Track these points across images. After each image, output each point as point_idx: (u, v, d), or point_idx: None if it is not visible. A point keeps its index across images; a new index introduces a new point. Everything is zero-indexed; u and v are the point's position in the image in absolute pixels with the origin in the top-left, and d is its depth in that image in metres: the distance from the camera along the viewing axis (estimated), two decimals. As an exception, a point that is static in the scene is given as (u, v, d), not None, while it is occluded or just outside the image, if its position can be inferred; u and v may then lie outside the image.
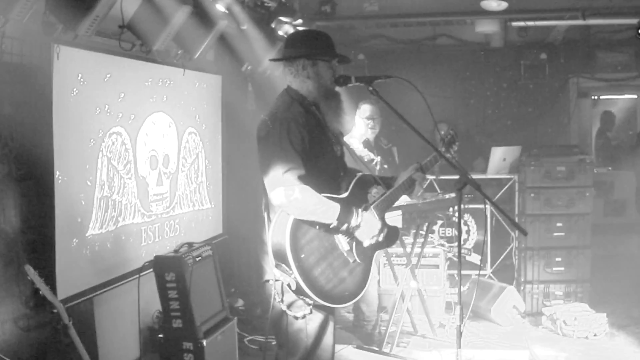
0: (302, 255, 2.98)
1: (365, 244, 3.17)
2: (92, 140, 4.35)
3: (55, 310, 3.63)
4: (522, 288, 6.81)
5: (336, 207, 3.04)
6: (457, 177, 3.21)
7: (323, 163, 3.18)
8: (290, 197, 2.95)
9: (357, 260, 3.18)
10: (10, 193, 3.86)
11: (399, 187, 3.37)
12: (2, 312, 3.77)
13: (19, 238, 3.91)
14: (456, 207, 3.31)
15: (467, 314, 5.87)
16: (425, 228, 6.00)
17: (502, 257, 7.44)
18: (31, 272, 3.51)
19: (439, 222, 7.19)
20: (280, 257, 2.98)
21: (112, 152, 4.57)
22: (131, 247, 4.84)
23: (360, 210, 3.13)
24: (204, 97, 6.01)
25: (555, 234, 6.72)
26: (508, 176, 7.44)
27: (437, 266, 6.34)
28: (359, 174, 3.35)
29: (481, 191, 3.20)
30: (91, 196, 4.35)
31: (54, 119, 3.95)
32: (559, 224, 6.73)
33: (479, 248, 7.24)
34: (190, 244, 4.85)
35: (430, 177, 7.34)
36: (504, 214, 3.51)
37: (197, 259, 4.66)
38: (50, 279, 3.81)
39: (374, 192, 3.34)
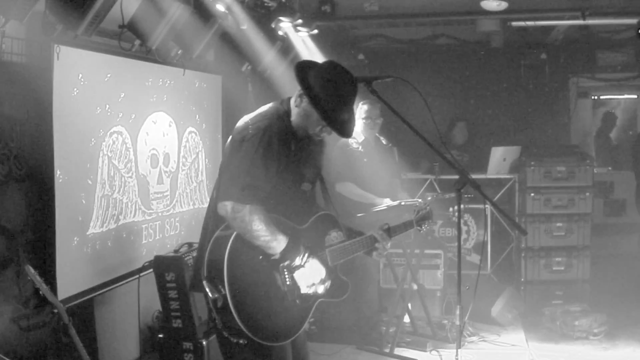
0: (239, 273, 2.74)
1: (303, 290, 2.90)
2: (92, 139, 4.36)
3: (55, 310, 3.62)
4: (522, 288, 6.82)
5: (282, 240, 2.83)
6: (457, 177, 3.21)
7: (289, 189, 2.99)
8: (237, 213, 2.75)
9: (297, 301, 2.92)
10: (10, 193, 3.86)
11: (358, 241, 3.20)
12: (2, 312, 3.77)
13: (19, 238, 3.91)
14: (456, 207, 3.29)
15: (467, 314, 5.87)
16: (425, 228, 6.00)
17: (502, 257, 7.44)
18: (31, 272, 3.50)
19: (439, 222, 7.19)
20: (214, 269, 2.75)
21: (112, 151, 4.58)
22: (132, 244, 4.85)
23: (307, 253, 2.90)
24: (204, 97, 6.01)
25: (555, 234, 6.73)
26: (508, 176, 7.44)
27: (437, 266, 6.35)
28: (323, 212, 3.17)
29: (481, 191, 3.21)
30: (92, 195, 4.36)
31: (54, 119, 3.95)
32: (559, 224, 6.74)
33: (479, 248, 7.24)
34: (190, 244, 4.85)
35: (430, 177, 7.35)
36: (503, 214, 3.52)
37: (197, 259, 4.66)
38: (50, 279, 3.82)
39: (333, 235, 3.13)
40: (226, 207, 2.79)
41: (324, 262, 3.00)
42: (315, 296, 2.98)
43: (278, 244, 2.83)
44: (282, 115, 3.03)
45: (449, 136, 8.09)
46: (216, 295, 2.73)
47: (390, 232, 3.32)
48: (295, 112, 3.03)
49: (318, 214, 3.13)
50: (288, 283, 2.88)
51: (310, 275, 2.91)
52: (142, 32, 4.53)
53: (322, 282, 2.95)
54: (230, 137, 3.02)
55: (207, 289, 2.76)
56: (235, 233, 2.79)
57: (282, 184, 2.94)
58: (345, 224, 3.28)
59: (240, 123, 3.02)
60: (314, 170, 3.16)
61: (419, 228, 3.66)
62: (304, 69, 3.01)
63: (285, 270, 2.88)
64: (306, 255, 2.90)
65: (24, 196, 3.96)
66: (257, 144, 2.85)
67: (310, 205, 3.15)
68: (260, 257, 2.83)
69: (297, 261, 2.88)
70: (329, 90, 2.94)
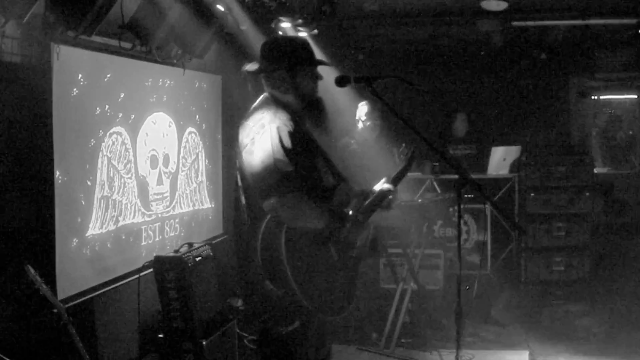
0: (299, 266, 2.89)
1: (358, 243, 3.13)
2: (92, 140, 4.36)
3: (55, 310, 3.63)
4: (522, 288, 6.81)
5: (328, 215, 3.00)
6: (457, 177, 3.21)
7: (306, 171, 3.08)
8: (284, 204, 2.86)
9: (345, 270, 3.12)
10: (10, 193, 3.86)
11: (373, 199, 3.32)
12: (2, 312, 3.77)
13: (19, 238, 3.91)
14: (456, 207, 3.30)
15: (467, 314, 5.87)
16: (425, 228, 6.00)
17: (502, 257, 7.44)
18: (31, 272, 3.51)
19: (439, 222, 7.19)
20: (274, 269, 2.88)
21: (112, 151, 4.57)
22: (131, 246, 4.85)
23: (351, 219, 3.10)
24: (204, 97, 6.01)
25: (555, 234, 6.73)
26: (508, 176, 7.44)
27: (437, 266, 6.35)
28: (340, 185, 3.27)
29: (481, 191, 3.21)
30: (91, 196, 4.36)
31: (54, 119, 3.95)
32: (559, 224, 6.74)
33: (478, 248, 7.24)
34: (190, 244, 4.85)
35: (430, 177, 7.34)
36: (503, 214, 3.51)
37: (197, 259, 4.66)
38: (50, 279, 3.82)
39: (354, 202, 3.26)
40: (271, 202, 2.89)
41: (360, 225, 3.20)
42: (358, 258, 3.19)
43: (326, 220, 2.98)
44: (276, 104, 3.13)
45: (450, 129, 8.08)
46: (282, 291, 2.87)
47: (394, 181, 3.47)
48: (289, 94, 3.16)
49: (336, 189, 3.23)
50: (336, 258, 3.06)
51: (359, 231, 3.12)
52: (142, 32, 4.53)
53: (366, 242, 3.17)
54: (239, 143, 3.08)
55: (272, 287, 2.90)
56: (284, 230, 2.89)
57: (303, 161, 3.05)
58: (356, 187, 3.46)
59: (242, 129, 3.10)
60: (317, 143, 3.29)
61: (409, 168, 3.71)
62: (258, 68, 3.25)
63: (337, 240, 3.06)
64: (350, 221, 3.08)
65: (24, 196, 3.96)
66: (270, 137, 2.95)
67: (323, 181, 3.26)
68: (312, 237, 2.97)
69: (344, 231, 3.06)
70: (290, 52, 3.16)
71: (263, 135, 2.96)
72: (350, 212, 3.13)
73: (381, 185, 3.42)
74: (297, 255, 2.90)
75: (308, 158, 3.13)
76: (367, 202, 3.30)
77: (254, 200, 2.99)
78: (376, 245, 3.35)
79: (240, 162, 3.07)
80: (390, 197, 3.40)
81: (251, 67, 3.27)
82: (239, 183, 3.10)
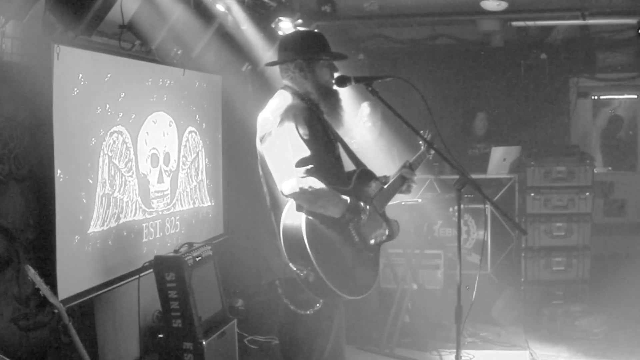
0: (320, 246, 2.94)
1: (370, 241, 3.16)
2: (93, 139, 4.36)
3: (55, 310, 3.63)
4: (522, 288, 6.81)
5: (346, 200, 3.03)
6: (457, 177, 3.22)
7: (325, 159, 3.15)
8: (304, 186, 2.91)
9: (367, 251, 3.18)
10: (10, 193, 3.87)
11: (393, 182, 3.40)
12: (2, 312, 3.78)
13: (19, 238, 3.91)
14: (456, 207, 3.31)
15: (467, 314, 5.86)
16: (425, 228, 6.00)
17: (502, 257, 7.44)
18: (31, 272, 3.51)
19: (439, 222, 7.18)
20: (296, 251, 2.93)
21: (113, 150, 4.58)
22: (132, 243, 4.85)
23: (368, 207, 3.14)
24: (204, 96, 6.01)
25: (555, 234, 6.73)
26: (508, 176, 7.44)
27: (437, 266, 6.34)
28: (360, 169, 3.35)
29: (481, 191, 3.21)
30: (92, 194, 4.36)
31: (54, 119, 3.95)
32: (559, 224, 6.74)
33: (479, 248, 7.24)
34: (190, 244, 4.86)
35: (430, 177, 7.34)
36: (503, 214, 3.51)
37: (197, 259, 4.67)
38: (50, 278, 3.82)
39: (373, 186, 3.33)
40: (290, 183, 2.93)
41: (378, 212, 3.25)
42: (379, 243, 3.24)
43: (344, 205, 3.02)
44: (292, 95, 3.22)
45: (470, 128, 8.08)
46: (305, 272, 2.91)
47: (412, 166, 3.53)
48: (307, 84, 3.24)
49: (356, 172, 3.30)
50: (357, 239, 3.11)
51: (374, 226, 3.18)
52: (142, 32, 4.53)
53: (384, 229, 3.22)
54: (258, 136, 3.17)
55: (295, 269, 2.93)
56: (304, 214, 2.94)
57: (321, 148, 3.12)
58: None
59: (261, 120, 3.18)
60: (335, 130, 3.36)
61: (429, 155, 3.74)
62: (277, 59, 3.35)
63: (354, 227, 3.10)
64: (368, 208, 3.13)
65: (24, 196, 3.96)
66: (287, 125, 3.04)
67: (343, 167, 3.35)
68: (332, 222, 3.01)
69: (363, 216, 3.10)
70: (308, 42, 3.29)
71: (281, 125, 3.04)
72: (367, 204, 3.16)
73: (400, 169, 3.48)
74: (318, 237, 2.95)
75: (326, 146, 3.20)
76: (386, 185, 3.35)
77: (275, 188, 3.07)
78: (397, 227, 3.35)
79: (260, 153, 3.16)
80: (409, 181, 3.47)
81: (270, 60, 3.37)
82: (260, 172, 3.20)
